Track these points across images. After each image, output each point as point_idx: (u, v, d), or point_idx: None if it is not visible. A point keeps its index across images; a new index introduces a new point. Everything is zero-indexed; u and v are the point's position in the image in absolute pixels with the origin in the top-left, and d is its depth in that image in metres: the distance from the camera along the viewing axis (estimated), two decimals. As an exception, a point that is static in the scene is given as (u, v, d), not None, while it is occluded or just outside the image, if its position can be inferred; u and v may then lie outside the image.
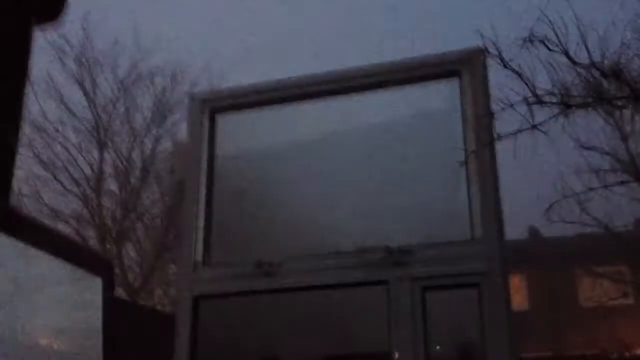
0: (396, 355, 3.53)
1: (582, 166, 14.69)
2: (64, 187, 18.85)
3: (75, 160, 19.02)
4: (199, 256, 4.04)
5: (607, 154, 18.11)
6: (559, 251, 21.59)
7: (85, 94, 19.19)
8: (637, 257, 14.29)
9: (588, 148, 17.75)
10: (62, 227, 17.23)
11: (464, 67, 3.88)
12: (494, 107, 3.39)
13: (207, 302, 3.97)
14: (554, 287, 23.94)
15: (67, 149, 18.94)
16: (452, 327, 3.66)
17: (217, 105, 4.32)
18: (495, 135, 3.40)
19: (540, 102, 3.27)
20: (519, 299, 23.29)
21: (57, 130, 18.63)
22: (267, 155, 4.33)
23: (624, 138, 18.29)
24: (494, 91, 3.71)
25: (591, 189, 3.27)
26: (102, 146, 19.25)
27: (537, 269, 23.59)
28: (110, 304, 5.00)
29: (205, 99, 4.34)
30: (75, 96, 19.05)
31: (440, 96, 4.05)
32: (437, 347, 3.56)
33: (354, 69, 4.12)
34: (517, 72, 3.20)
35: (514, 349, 3.43)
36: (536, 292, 24.27)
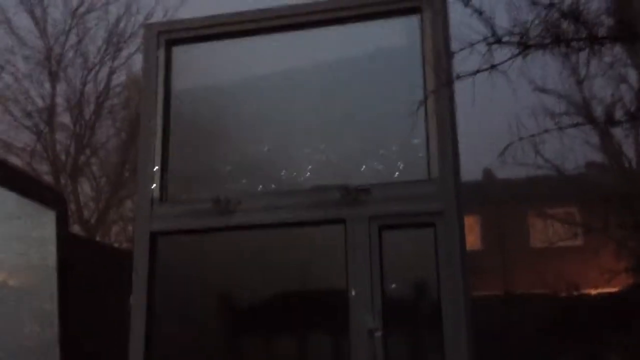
0: (353, 293, 3.58)
1: (538, 109, 14.86)
2: (16, 120, 18.39)
3: (27, 92, 18.50)
4: (156, 192, 4.00)
5: (562, 97, 18.36)
6: (513, 193, 22.02)
7: (36, 22, 18.56)
8: (587, 200, 14.66)
9: (544, 90, 17.96)
10: (14, 161, 16.88)
11: (424, 4, 3.84)
12: (454, 46, 3.36)
13: (165, 238, 3.96)
14: (507, 228, 24.50)
15: (17, 80, 18.40)
16: (408, 266, 3.71)
17: (173, 37, 4.21)
18: (454, 75, 3.38)
19: (499, 42, 3.26)
20: (473, 239, 23.82)
21: (7, 62, 18.05)
22: (224, 90, 4.27)
23: (579, 81, 18.55)
24: (454, 30, 3.69)
25: (546, 131, 3.33)
26: (54, 78, 18.72)
27: (491, 210, 24.06)
28: (66, 240, 4.96)
29: (161, 30, 4.22)
30: (25, 24, 18.42)
31: (400, 34, 4.01)
32: (393, 285, 3.62)
33: (314, 2, 4.04)
34: (478, 11, 3.17)
35: (466, 288, 3.50)
36: (489, 233, 24.82)
